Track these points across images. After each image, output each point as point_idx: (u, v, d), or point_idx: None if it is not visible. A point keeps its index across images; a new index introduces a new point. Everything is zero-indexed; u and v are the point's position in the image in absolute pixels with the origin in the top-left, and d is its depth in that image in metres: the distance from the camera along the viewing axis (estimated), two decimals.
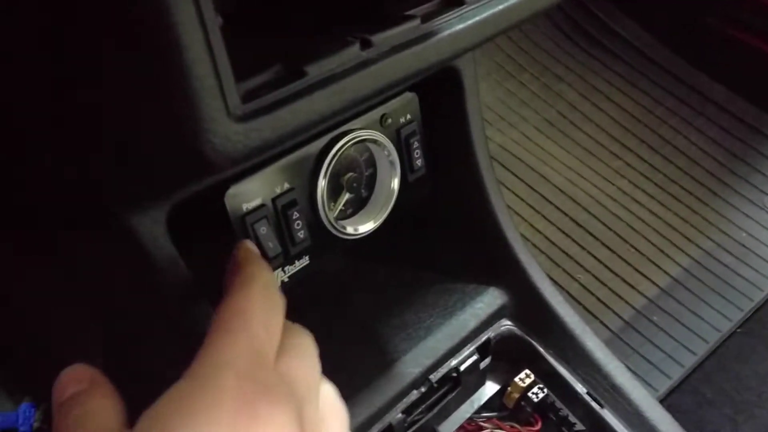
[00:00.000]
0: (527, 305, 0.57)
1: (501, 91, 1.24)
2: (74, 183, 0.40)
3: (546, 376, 0.55)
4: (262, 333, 0.31)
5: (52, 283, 0.52)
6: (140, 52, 0.29)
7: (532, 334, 0.57)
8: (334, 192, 0.51)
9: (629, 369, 0.88)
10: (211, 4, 0.29)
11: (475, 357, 0.54)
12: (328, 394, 0.34)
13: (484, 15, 0.41)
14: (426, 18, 0.39)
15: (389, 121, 0.52)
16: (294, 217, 0.47)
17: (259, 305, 0.32)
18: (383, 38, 0.37)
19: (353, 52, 0.36)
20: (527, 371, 0.55)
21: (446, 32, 0.39)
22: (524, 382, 0.55)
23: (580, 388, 0.55)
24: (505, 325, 0.57)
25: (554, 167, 1.14)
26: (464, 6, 0.41)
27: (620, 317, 0.95)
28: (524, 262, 0.57)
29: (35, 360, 0.64)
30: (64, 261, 0.49)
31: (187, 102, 0.29)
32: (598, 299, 0.97)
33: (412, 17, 0.39)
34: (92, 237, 0.44)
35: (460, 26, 0.40)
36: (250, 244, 0.39)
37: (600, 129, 1.21)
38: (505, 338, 0.57)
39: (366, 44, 0.36)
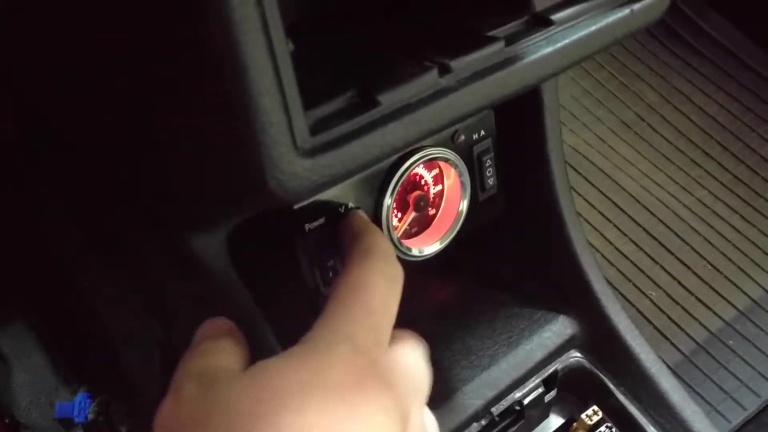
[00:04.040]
0: (599, 337, 0.54)
1: (576, 89, 1.18)
2: (140, 200, 0.40)
3: (615, 414, 0.52)
4: (381, 309, 0.30)
5: (118, 284, 0.52)
6: (205, 84, 0.27)
7: (602, 368, 0.53)
8: (399, 210, 0.48)
9: (702, 398, 0.83)
10: (282, 33, 0.27)
11: (540, 390, 0.51)
12: (432, 419, 0.33)
13: (574, 37, 0.37)
14: (510, 40, 0.36)
15: (462, 137, 0.49)
16: None
17: (380, 278, 0.31)
18: (464, 63, 0.34)
19: (431, 79, 0.33)
20: (595, 408, 0.52)
21: (532, 56, 0.36)
22: (591, 420, 0.52)
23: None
24: (574, 356, 0.54)
25: (629, 173, 1.08)
26: (552, 27, 0.37)
27: (693, 339, 0.90)
28: (598, 291, 0.53)
29: (94, 353, 0.65)
30: (133, 267, 0.48)
31: (253, 137, 0.28)
32: (670, 319, 0.92)
33: (495, 39, 0.36)
34: (157, 251, 0.43)
35: (548, 49, 0.36)
36: (363, 214, 0.38)
37: (680, 134, 1.13)
38: (574, 370, 0.53)
39: (444, 70, 0.34)
